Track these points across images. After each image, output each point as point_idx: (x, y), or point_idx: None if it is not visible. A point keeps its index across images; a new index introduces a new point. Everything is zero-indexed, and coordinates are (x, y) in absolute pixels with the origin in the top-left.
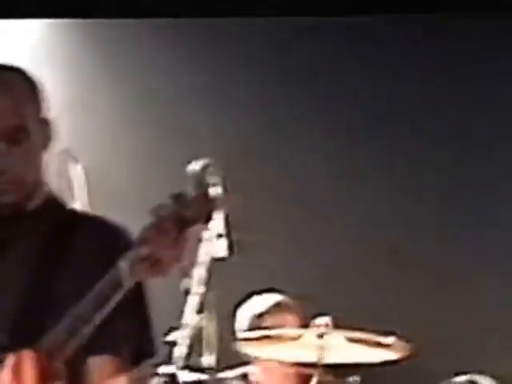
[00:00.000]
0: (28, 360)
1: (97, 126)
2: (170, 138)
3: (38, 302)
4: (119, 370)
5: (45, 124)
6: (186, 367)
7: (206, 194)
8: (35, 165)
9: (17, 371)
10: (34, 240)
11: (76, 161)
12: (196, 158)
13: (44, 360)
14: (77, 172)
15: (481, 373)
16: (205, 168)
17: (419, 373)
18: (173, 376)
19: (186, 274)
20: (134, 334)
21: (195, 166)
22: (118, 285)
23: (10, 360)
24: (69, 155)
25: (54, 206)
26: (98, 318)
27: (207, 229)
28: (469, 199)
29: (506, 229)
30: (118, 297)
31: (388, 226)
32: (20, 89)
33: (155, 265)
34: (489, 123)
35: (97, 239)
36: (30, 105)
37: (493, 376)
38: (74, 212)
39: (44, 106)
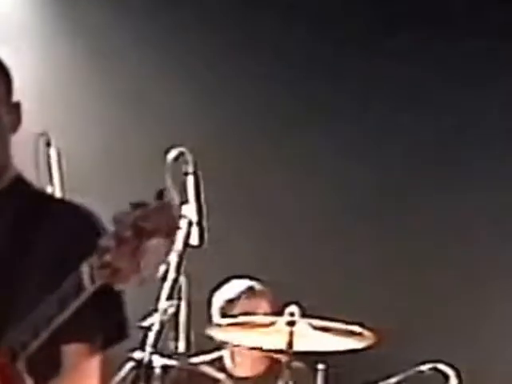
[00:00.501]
0: None
1: (72, 109)
2: (146, 123)
3: (3, 288)
4: (92, 355)
5: (13, 107)
6: (158, 352)
7: (167, 206)
8: (4, 147)
9: None
10: (4, 217)
11: (50, 144)
12: (170, 145)
13: (5, 362)
14: (51, 155)
15: (445, 362)
16: (179, 157)
17: (385, 361)
18: (148, 361)
19: (144, 283)
20: (106, 319)
21: (170, 155)
22: (80, 288)
23: None
24: (43, 138)
25: (21, 189)
26: (60, 318)
27: (170, 242)
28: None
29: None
30: (81, 298)
31: (360, 214)
32: None
33: (115, 273)
34: None
35: (67, 225)
36: None
37: (457, 365)
38: (43, 195)
39: (12, 88)
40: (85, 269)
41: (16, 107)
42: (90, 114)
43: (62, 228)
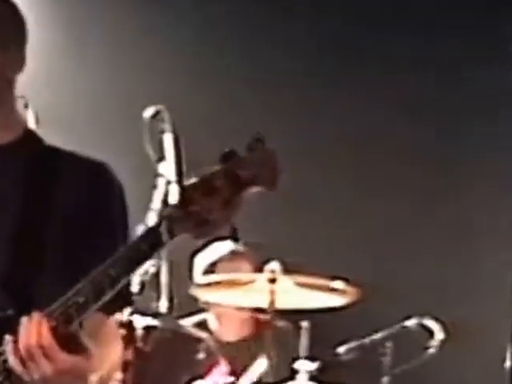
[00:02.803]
0: (45, 327)
1: (48, 70)
2: (124, 80)
3: (26, 245)
4: (103, 323)
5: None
6: (140, 312)
7: (267, 153)
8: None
9: (37, 333)
10: (14, 175)
11: (28, 106)
12: (148, 103)
13: (56, 325)
14: (29, 118)
15: (430, 316)
16: (156, 114)
17: (370, 317)
18: (130, 322)
19: (236, 238)
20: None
21: (147, 113)
22: (156, 244)
23: (28, 323)
24: (21, 101)
25: (33, 140)
26: (126, 279)
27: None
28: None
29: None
30: (155, 255)
31: (337, 174)
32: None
33: (201, 225)
34: None
35: (81, 174)
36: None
37: (441, 320)
38: (51, 147)
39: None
40: (162, 222)
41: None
42: (67, 75)
43: (81, 182)
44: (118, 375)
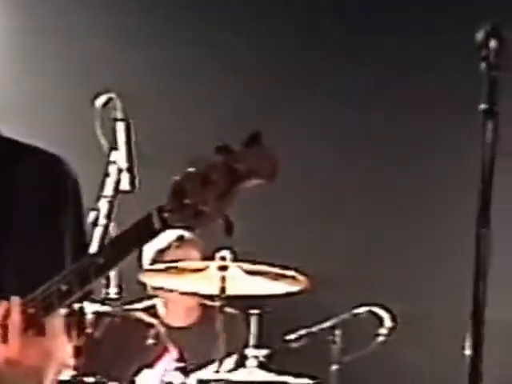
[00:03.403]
0: (16, 308)
1: None
2: (74, 69)
3: None
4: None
5: None
6: (90, 299)
7: (265, 148)
8: None
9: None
10: None
11: None
12: (99, 91)
13: (34, 314)
14: None
15: (379, 305)
16: (108, 102)
17: (320, 306)
18: (80, 308)
19: (231, 230)
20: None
21: (99, 101)
22: (147, 231)
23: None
24: None
25: None
26: (115, 266)
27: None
28: None
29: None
30: (147, 243)
31: (288, 164)
32: None
33: (195, 217)
34: None
35: (37, 166)
36: None
37: (392, 308)
38: (9, 139)
39: None
40: (154, 212)
41: None
42: (18, 63)
43: (37, 175)
44: (70, 361)
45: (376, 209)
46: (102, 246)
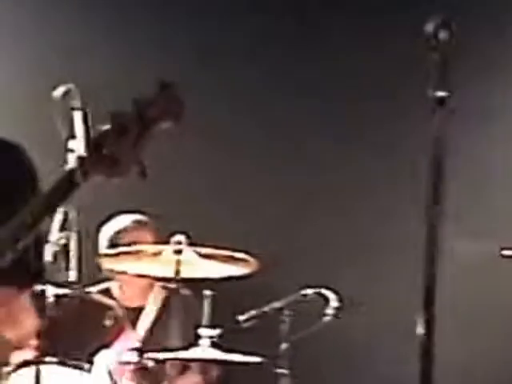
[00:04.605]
0: None
1: None
2: (32, 60)
3: None
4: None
5: None
6: (51, 282)
7: (172, 93)
8: None
9: None
10: None
11: None
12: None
13: None
14: None
15: (327, 287)
16: (67, 93)
17: (269, 287)
18: (41, 291)
19: (145, 174)
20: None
21: (58, 92)
22: (71, 186)
23: None
24: None
25: None
26: (43, 221)
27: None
28: None
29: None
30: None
31: (237, 146)
32: None
33: (113, 165)
34: None
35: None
36: None
37: (339, 289)
38: None
39: None
40: (76, 166)
41: None
42: None
43: None
44: (32, 342)
45: (324, 186)
46: (61, 228)
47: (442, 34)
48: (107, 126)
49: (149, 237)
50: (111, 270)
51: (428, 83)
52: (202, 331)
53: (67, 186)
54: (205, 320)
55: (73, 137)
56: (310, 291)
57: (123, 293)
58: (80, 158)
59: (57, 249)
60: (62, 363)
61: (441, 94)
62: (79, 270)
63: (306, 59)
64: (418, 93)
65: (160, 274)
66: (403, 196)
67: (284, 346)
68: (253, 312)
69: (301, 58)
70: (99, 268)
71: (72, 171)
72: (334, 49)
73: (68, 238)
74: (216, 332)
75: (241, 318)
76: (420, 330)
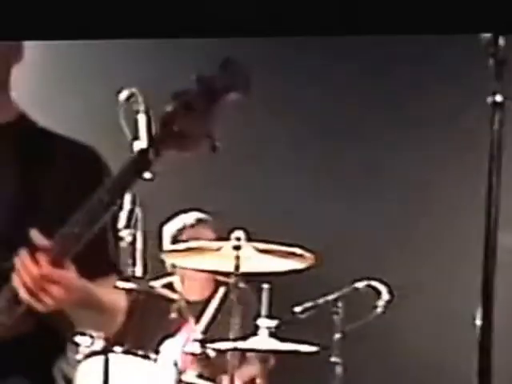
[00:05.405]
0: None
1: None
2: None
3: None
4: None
5: None
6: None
7: (234, 67)
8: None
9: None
10: (7, 156)
11: None
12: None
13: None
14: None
15: (378, 280)
16: (130, 97)
17: (323, 280)
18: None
19: (216, 148)
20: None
21: (122, 96)
22: (145, 162)
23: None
24: None
25: (26, 123)
26: (116, 203)
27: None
28: None
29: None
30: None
31: (298, 146)
32: None
33: (183, 141)
34: None
35: (70, 156)
36: None
37: (389, 281)
38: (44, 129)
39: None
40: (148, 145)
41: None
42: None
43: (70, 164)
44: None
45: (376, 183)
46: (128, 226)
47: (501, 41)
48: (171, 105)
49: (209, 233)
50: (174, 266)
51: (486, 89)
52: (260, 322)
53: (140, 164)
54: (263, 311)
55: (137, 138)
56: (361, 284)
57: (185, 287)
58: (150, 136)
59: (124, 246)
60: (129, 353)
61: (498, 98)
62: (145, 266)
63: None
64: (475, 98)
65: (220, 269)
66: (460, 188)
67: (337, 335)
68: (308, 304)
69: None
70: (162, 263)
71: (144, 150)
72: None
73: (134, 236)
74: (274, 323)
75: (297, 309)
76: (478, 321)
